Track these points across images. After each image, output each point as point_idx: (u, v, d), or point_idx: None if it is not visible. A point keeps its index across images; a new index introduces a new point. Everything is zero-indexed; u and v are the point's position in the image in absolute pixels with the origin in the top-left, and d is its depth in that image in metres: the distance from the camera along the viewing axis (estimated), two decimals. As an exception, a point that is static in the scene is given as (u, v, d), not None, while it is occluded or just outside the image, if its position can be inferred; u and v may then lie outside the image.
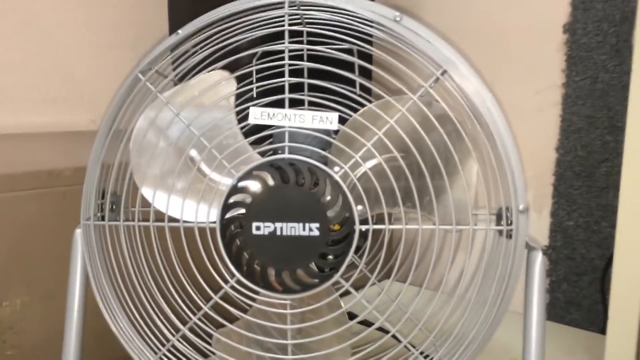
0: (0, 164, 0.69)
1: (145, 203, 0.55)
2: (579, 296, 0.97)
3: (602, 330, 0.90)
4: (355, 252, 0.50)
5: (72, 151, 0.75)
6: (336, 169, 0.50)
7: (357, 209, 0.50)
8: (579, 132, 0.93)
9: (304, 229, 0.50)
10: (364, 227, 0.50)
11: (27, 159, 0.72)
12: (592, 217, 0.94)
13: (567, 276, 0.98)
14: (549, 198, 0.98)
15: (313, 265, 0.51)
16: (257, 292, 0.52)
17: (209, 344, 0.56)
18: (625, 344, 0.61)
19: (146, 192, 0.54)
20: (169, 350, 0.56)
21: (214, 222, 0.51)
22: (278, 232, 0.50)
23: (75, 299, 0.60)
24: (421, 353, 0.53)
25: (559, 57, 0.94)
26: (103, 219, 0.57)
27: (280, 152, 0.51)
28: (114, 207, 0.56)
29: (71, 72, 0.97)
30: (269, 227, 0.50)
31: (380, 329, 0.53)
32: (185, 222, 0.53)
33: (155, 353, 0.56)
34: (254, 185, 0.50)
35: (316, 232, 0.50)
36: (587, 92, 0.92)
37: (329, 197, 0.50)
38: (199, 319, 0.54)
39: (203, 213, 0.53)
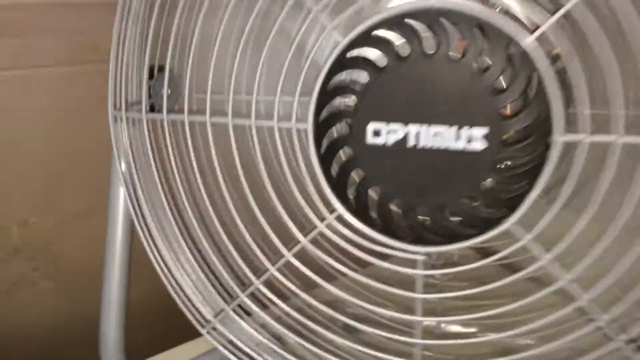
0: (32, 33, 0.52)
1: (204, 89, 0.35)
2: None
3: None
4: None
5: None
6: (523, 34, 0.27)
7: (558, 106, 0.27)
8: None
9: (458, 138, 0.28)
10: (570, 138, 0.27)
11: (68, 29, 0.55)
12: None
13: None
14: None
15: (470, 201, 0.29)
16: (370, 240, 0.32)
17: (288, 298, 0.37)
18: None
19: (200, 68, 0.34)
20: (234, 310, 0.37)
21: (304, 124, 0.31)
22: (411, 142, 0.29)
23: (119, 213, 0.43)
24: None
25: None
26: (152, 108, 0.38)
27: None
28: (153, 92, 0.36)
29: None
30: (396, 131, 0.29)
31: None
32: (258, 119, 0.33)
33: (215, 316, 0.38)
34: (374, 57, 0.29)
35: (480, 144, 0.28)
36: None
37: (508, 81, 0.27)
38: (278, 270, 0.35)
39: (288, 106, 0.32)
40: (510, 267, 0.34)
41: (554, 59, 0.29)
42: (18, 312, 0.55)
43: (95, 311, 0.46)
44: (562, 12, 0.25)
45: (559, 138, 0.27)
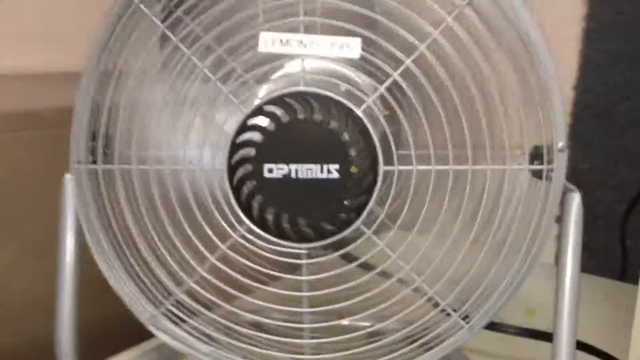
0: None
1: (144, 145, 0.50)
2: (593, 242, 0.93)
3: (621, 277, 0.87)
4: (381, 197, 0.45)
5: (53, 92, 0.69)
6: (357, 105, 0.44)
7: (379, 149, 0.44)
8: (599, 69, 0.88)
9: (321, 171, 0.45)
10: (388, 168, 0.45)
11: (6, 100, 0.66)
12: (609, 159, 0.90)
13: (581, 221, 0.94)
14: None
15: (332, 211, 0.46)
16: (270, 243, 0.47)
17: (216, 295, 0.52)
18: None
19: (145, 131, 0.48)
20: (173, 304, 0.51)
21: (221, 167, 0.46)
22: (293, 175, 0.45)
23: (68, 252, 0.54)
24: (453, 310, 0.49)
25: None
26: (95, 163, 0.51)
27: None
28: (107, 150, 0.50)
29: (48, 6, 0.88)
30: (282, 169, 0.45)
31: (401, 281, 0.49)
32: (188, 165, 0.48)
33: (157, 308, 0.52)
34: (266, 122, 0.45)
35: (335, 175, 0.45)
36: (611, 26, 0.85)
37: (350, 135, 0.44)
38: (206, 271, 0.49)
39: (209, 155, 0.47)
40: (366, 267, 0.50)
41: (385, 117, 0.46)
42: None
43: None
44: (371, 98, 0.43)
45: (380, 169, 0.44)
